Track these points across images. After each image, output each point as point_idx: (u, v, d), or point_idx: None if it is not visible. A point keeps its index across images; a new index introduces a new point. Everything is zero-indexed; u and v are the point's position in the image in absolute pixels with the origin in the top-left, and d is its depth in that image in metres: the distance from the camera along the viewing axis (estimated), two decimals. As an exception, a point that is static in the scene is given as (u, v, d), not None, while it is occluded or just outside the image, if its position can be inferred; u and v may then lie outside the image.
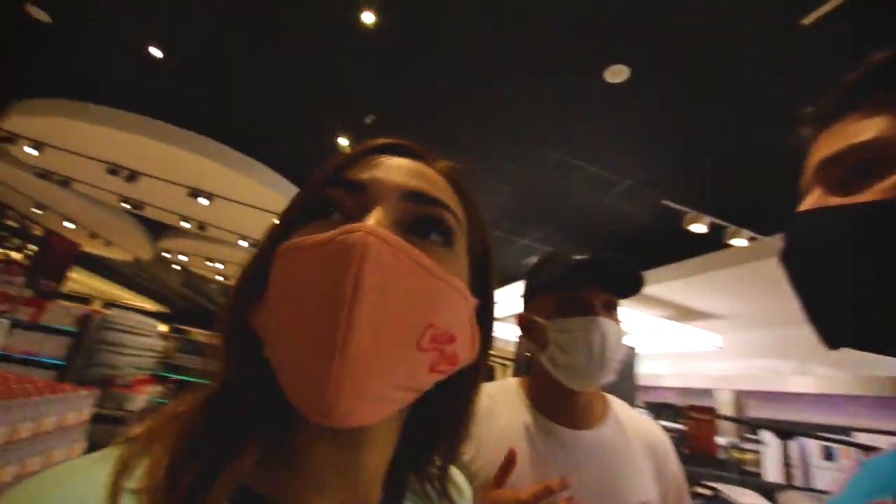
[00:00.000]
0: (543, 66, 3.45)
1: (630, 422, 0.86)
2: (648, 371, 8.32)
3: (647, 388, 8.42)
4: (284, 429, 0.32)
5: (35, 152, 5.11)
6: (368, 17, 3.25)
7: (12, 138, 5.04)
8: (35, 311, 4.00)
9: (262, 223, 6.01)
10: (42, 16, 3.90)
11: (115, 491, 0.25)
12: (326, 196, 0.34)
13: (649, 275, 4.80)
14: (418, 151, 0.39)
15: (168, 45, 4.03)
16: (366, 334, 0.26)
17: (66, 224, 8.44)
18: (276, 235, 0.34)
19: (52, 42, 4.27)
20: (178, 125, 4.78)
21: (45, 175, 5.87)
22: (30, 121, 4.80)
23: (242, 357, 0.32)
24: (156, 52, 4.07)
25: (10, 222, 8.28)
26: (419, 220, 0.34)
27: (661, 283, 5.49)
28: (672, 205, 4.08)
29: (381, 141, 0.38)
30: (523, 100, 3.83)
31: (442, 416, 0.40)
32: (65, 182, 6.03)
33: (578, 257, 0.79)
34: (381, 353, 0.27)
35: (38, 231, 8.60)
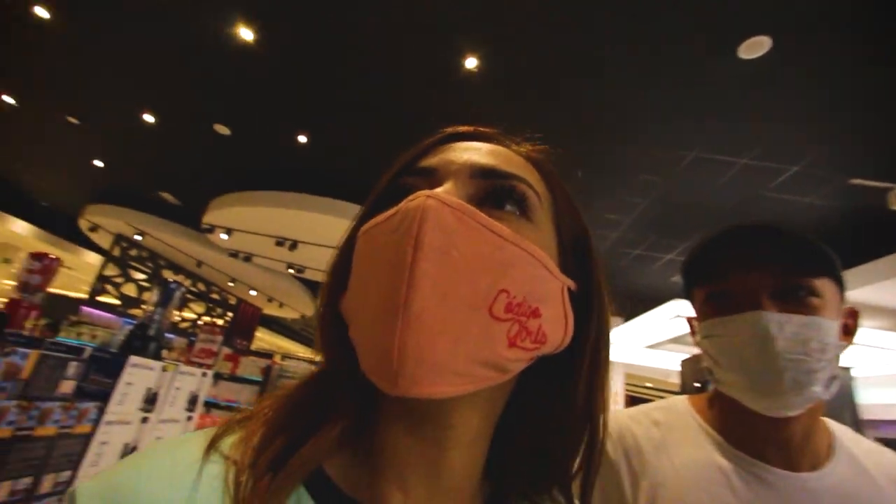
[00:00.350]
0: (666, 58, 3.12)
1: (869, 456, 0.60)
2: (873, 400, 6.39)
3: (873, 423, 6.45)
4: (365, 415, 0.32)
5: (226, 237, 6.46)
6: (471, 63, 3.38)
7: (211, 229, 6.45)
8: (233, 364, 4.87)
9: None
10: (223, 129, 4.98)
11: (207, 453, 0.28)
12: (400, 184, 0.34)
13: (851, 276, 3.78)
14: (494, 136, 0.38)
15: (313, 132, 4.78)
16: (428, 294, 0.25)
17: (251, 292, 10.40)
18: (356, 226, 0.35)
19: (232, 150, 5.39)
20: (327, 196, 5.51)
21: (234, 254, 7.37)
22: (221, 212, 6.08)
23: (332, 341, 0.34)
24: (302, 139, 4.85)
25: (213, 295, 10.45)
26: (491, 194, 0.33)
27: (870, 286, 4.28)
28: (866, 182, 3.22)
29: (455, 129, 0.38)
30: (644, 100, 3.51)
31: (552, 430, 0.36)
32: (248, 258, 7.47)
33: (716, 234, 0.60)
34: (446, 315, 0.26)
35: (232, 300, 10.72)
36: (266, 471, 0.27)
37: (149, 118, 5.06)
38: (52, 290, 2.77)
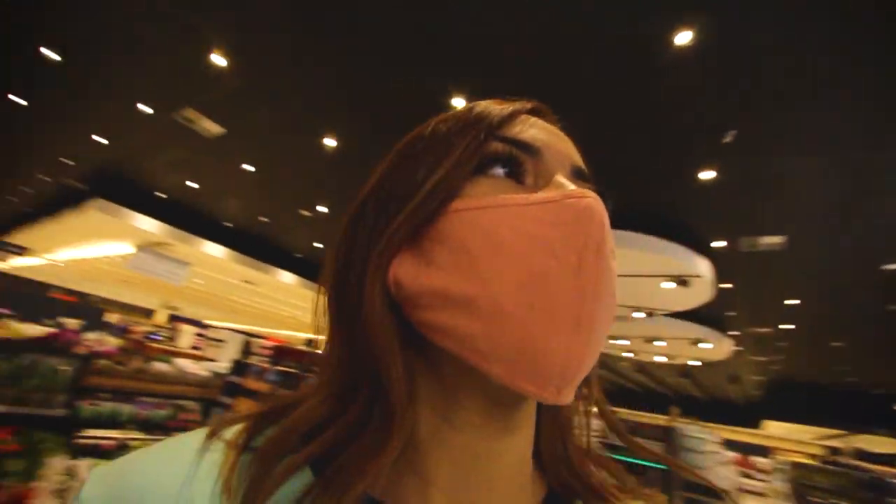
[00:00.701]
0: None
1: None
2: None
3: None
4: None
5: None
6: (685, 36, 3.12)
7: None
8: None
9: (649, 290, 6.56)
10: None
11: (209, 439, 0.28)
12: (503, 154, 0.31)
13: None
14: (551, 115, 0.36)
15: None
16: (604, 306, 0.25)
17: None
18: (447, 190, 0.29)
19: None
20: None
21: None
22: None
23: (390, 326, 0.29)
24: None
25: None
26: None
27: None
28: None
29: (534, 104, 0.35)
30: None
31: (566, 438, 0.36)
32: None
33: None
34: (606, 328, 0.26)
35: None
36: (262, 456, 0.26)
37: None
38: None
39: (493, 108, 0.33)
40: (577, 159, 0.33)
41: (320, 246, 9.66)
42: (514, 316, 0.25)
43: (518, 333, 0.25)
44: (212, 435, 0.28)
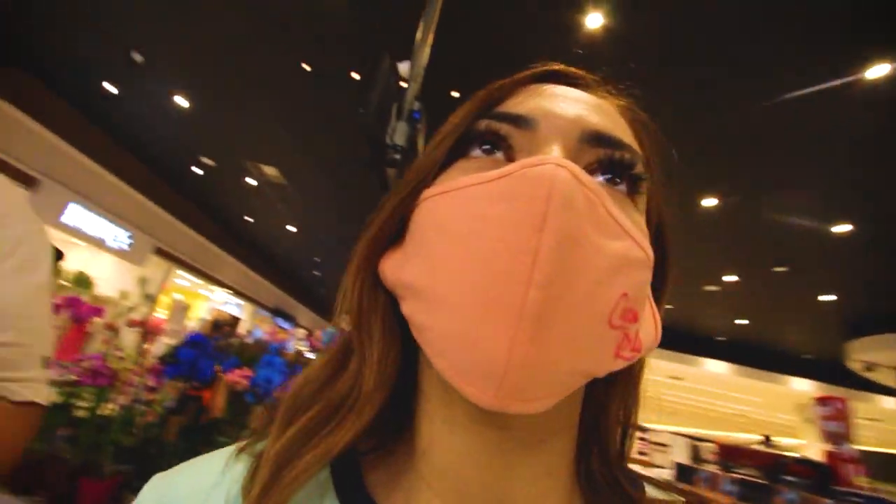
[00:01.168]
0: None
1: None
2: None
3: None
4: (402, 409, 0.29)
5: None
6: None
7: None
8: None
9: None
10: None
11: (238, 452, 0.29)
12: (484, 129, 0.28)
13: None
14: (590, 82, 0.32)
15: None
16: (556, 294, 0.21)
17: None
18: (419, 178, 0.28)
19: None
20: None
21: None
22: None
23: (374, 316, 0.29)
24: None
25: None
26: (605, 166, 0.27)
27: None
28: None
29: (546, 67, 0.31)
30: None
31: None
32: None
33: None
34: (568, 321, 0.21)
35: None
36: (272, 465, 0.26)
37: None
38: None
39: (499, 82, 0.30)
40: (594, 123, 0.27)
41: (744, 322, 8.16)
42: (456, 306, 0.23)
43: (458, 326, 0.22)
44: (243, 447, 0.30)
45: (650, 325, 0.28)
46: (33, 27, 4.41)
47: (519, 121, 0.27)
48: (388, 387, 0.28)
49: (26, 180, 5.42)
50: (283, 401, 0.30)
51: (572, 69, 0.32)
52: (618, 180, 0.27)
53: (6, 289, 0.59)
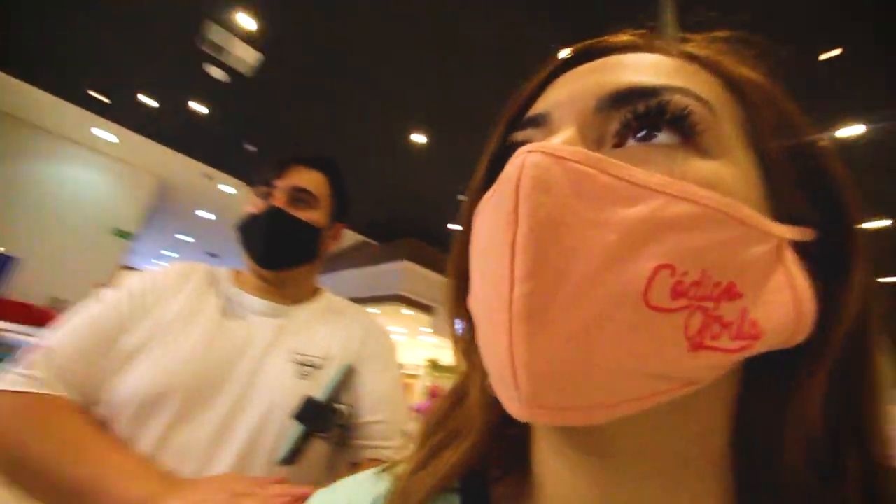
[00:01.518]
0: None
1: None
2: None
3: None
4: (517, 434, 0.28)
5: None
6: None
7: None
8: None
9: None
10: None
11: (381, 472, 0.32)
12: (509, 143, 0.27)
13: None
14: (622, 45, 0.28)
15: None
16: (541, 285, 0.18)
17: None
18: (469, 204, 0.28)
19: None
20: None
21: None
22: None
23: (472, 345, 0.28)
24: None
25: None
26: (634, 123, 0.23)
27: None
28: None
29: (566, 54, 0.28)
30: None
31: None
32: None
33: None
34: (574, 311, 0.18)
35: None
36: (400, 484, 0.28)
37: None
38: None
39: (516, 94, 0.29)
40: (612, 83, 0.24)
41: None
42: (480, 321, 0.23)
43: (483, 340, 0.22)
44: (387, 467, 0.32)
45: (779, 301, 0.21)
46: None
47: (535, 121, 0.26)
48: (492, 410, 0.27)
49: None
50: (419, 427, 0.31)
51: (602, 41, 0.28)
52: (655, 133, 0.22)
53: (377, 384, 0.79)
